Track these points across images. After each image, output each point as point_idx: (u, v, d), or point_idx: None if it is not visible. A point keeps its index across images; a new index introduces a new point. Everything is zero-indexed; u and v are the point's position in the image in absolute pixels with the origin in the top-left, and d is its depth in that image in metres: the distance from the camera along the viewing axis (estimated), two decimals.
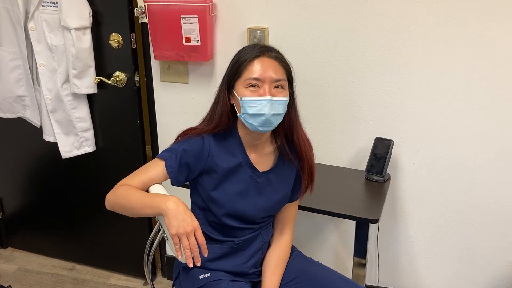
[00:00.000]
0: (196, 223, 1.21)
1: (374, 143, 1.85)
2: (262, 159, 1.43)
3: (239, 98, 1.31)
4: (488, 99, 1.73)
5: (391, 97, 1.82)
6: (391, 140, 1.82)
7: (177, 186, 1.42)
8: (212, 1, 1.84)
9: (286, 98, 1.32)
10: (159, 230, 1.57)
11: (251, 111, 1.29)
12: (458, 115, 1.78)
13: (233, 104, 1.36)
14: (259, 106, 1.28)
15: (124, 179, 1.36)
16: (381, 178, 1.81)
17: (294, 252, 1.59)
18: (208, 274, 1.44)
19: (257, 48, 1.33)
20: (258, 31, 1.85)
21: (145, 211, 1.28)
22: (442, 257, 2.01)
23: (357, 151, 1.94)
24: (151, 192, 1.34)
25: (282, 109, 1.31)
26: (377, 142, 1.84)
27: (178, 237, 1.19)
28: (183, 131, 1.40)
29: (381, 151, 1.82)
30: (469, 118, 1.77)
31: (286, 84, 1.34)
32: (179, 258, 1.22)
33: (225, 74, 1.37)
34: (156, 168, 1.36)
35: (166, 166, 1.35)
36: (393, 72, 1.79)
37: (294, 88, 1.39)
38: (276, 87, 1.31)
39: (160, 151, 2.18)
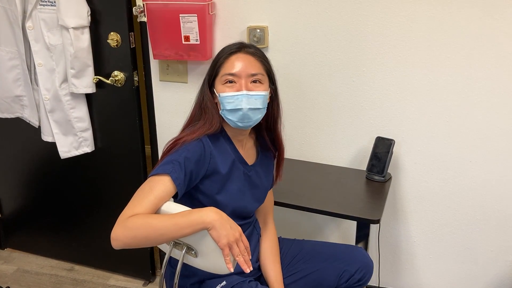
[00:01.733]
0: (239, 227, 1.17)
1: (375, 142, 1.84)
2: (248, 153, 1.45)
3: (217, 95, 1.32)
4: (490, 98, 1.72)
5: (392, 96, 1.81)
6: (392, 140, 1.81)
7: (177, 199, 1.30)
8: (212, 0, 1.83)
9: (264, 93, 1.32)
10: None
11: (229, 106, 1.29)
12: (460, 114, 1.77)
13: (217, 102, 1.36)
14: (236, 101, 1.28)
15: (125, 210, 1.20)
16: (382, 178, 1.79)
17: (280, 240, 1.62)
18: (224, 282, 1.41)
19: (235, 46, 1.34)
20: (258, 30, 1.84)
21: (181, 233, 1.15)
22: (443, 257, 2.00)
23: (357, 151, 1.93)
24: (175, 212, 1.20)
25: (260, 104, 1.31)
26: (378, 141, 1.83)
27: (229, 246, 1.14)
28: (171, 144, 1.30)
29: (382, 151, 1.81)
30: (470, 117, 1.76)
31: (264, 78, 1.34)
32: (231, 270, 1.15)
33: (205, 76, 1.37)
34: (162, 185, 1.20)
35: (174, 179, 1.21)
36: (394, 71, 1.78)
37: (277, 84, 1.40)
38: (254, 81, 1.31)
39: (159, 151, 2.19)
